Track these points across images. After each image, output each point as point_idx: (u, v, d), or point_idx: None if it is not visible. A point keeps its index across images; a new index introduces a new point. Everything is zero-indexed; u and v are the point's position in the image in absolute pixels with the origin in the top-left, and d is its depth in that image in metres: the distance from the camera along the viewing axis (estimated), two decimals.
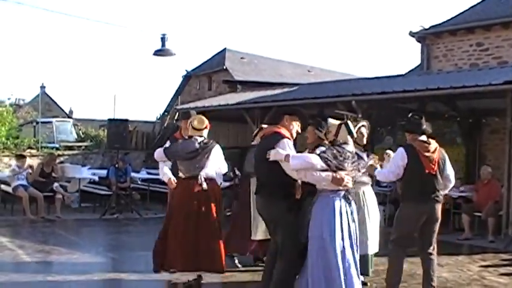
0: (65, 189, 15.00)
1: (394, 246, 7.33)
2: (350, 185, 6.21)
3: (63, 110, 44.35)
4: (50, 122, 25.41)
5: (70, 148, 20.65)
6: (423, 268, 7.30)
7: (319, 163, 5.99)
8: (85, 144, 21.77)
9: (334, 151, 6.15)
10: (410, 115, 7.51)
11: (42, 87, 44.62)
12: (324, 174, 6.01)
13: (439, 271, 8.82)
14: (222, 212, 7.82)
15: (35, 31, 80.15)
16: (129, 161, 17.85)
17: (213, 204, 7.46)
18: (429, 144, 7.19)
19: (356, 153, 6.70)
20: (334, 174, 6.04)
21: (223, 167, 7.90)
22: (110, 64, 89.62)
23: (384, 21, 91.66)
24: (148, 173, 18.32)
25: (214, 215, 7.46)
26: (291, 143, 6.37)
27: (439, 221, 7.26)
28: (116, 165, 15.54)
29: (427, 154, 7.09)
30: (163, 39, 17.30)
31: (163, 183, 17.12)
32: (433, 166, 7.09)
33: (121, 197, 15.12)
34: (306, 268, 6.20)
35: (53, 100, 46.39)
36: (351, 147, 6.40)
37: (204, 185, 7.36)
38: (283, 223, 6.32)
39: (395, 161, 7.24)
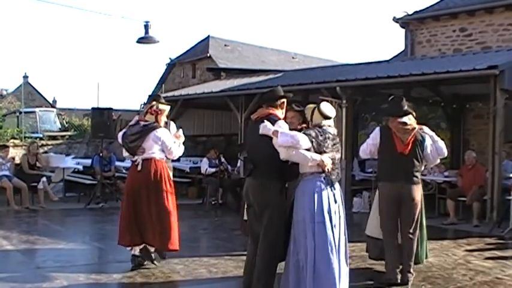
0: (49, 180, 14.89)
1: (382, 229, 7.39)
2: (330, 166, 6.15)
3: (46, 100, 44.18)
4: (34, 112, 25.28)
5: (54, 138, 20.55)
6: (403, 251, 7.31)
7: (306, 142, 5.97)
8: (69, 133, 21.67)
9: (316, 131, 6.18)
10: (390, 98, 7.55)
11: (25, 77, 44.49)
12: (312, 154, 6.01)
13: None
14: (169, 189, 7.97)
15: (17, 20, 79.60)
16: (113, 149, 17.74)
17: (154, 185, 7.73)
18: (405, 125, 7.20)
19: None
20: (321, 157, 6.04)
21: (172, 149, 8.00)
22: (93, 52, 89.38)
23: (368, 7, 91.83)
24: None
25: (157, 194, 7.73)
26: (285, 124, 6.33)
27: (417, 202, 7.27)
28: (100, 154, 15.47)
29: (400, 135, 7.15)
30: (146, 27, 17.18)
31: None
32: (406, 147, 7.13)
33: (106, 186, 15.06)
34: (289, 253, 6.18)
35: (36, 90, 46.21)
36: (332, 129, 6.38)
37: (139, 167, 7.74)
38: (274, 205, 6.26)
39: (368, 139, 7.41)
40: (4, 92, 37.41)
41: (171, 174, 8.23)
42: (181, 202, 12.47)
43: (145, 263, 7.94)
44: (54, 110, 29.37)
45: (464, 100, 16.61)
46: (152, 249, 7.94)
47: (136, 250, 7.89)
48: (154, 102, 8.03)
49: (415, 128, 7.30)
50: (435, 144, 7.52)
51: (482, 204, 12.24)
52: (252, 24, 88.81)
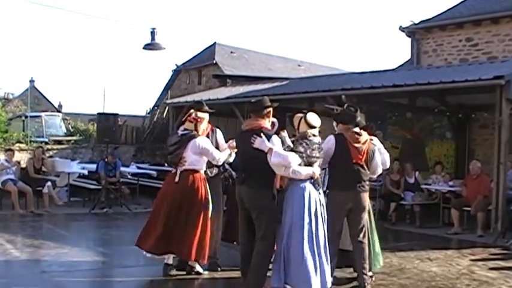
0: (54, 184, 14.91)
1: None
2: (318, 174, 6.77)
3: (52, 104, 44.23)
4: (39, 116, 25.30)
5: (59, 142, 20.57)
6: (355, 257, 7.44)
7: (296, 160, 6.55)
8: (74, 138, 21.70)
9: (304, 144, 6.71)
10: (346, 106, 7.62)
11: (32, 81, 44.52)
12: (304, 169, 6.62)
13: (428, 265, 8.93)
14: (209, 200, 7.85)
15: (24, 25, 79.88)
16: (118, 155, 17.80)
17: (190, 197, 7.59)
18: (360, 135, 7.38)
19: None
20: (313, 170, 6.68)
21: (215, 156, 7.75)
22: (99, 58, 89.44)
23: (375, 16, 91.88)
24: (138, 168, 18.28)
25: (192, 207, 7.59)
26: (279, 140, 6.83)
27: (366, 209, 7.51)
28: (106, 160, 15.50)
29: (356, 145, 7.31)
30: (153, 33, 17.25)
31: (152, 177, 17.22)
32: (361, 157, 7.32)
33: (110, 191, 15.07)
34: (278, 253, 6.72)
35: (42, 94, 46.28)
36: (317, 138, 6.89)
37: (176, 179, 7.59)
38: (268, 210, 6.76)
39: (324, 144, 7.38)
40: (10, 96, 37.43)
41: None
42: None
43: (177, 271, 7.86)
44: (60, 114, 29.39)
45: (470, 110, 16.58)
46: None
47: (170, 259, 7.79)
48: (192, 110, 7.83)
49: (368, 139, 7.50)
50: (382, 156, 7.82)
51: (487, 214, 12.21)
52: (258, 31, 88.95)
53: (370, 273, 7.57)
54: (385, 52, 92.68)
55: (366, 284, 7.34)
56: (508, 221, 11.58)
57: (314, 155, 6.74)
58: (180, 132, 7.74)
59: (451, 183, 13.90)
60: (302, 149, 6.66)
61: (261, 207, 6.79)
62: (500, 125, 12.10)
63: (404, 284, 7.68)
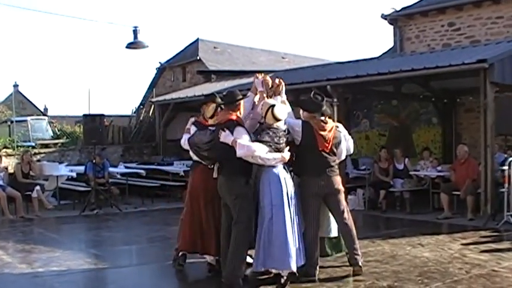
0: (43, 188, 14.83)
1: (307, 225, 7.38)
2: (287, 157, 7.08)
3: (37, 108, 44.15)
4: (25, 121, 25.21)
5: (46, 146, 20.46)
6: (344, 239, 7.64)
7: (262, 149, 6.81)
8: (61, 141, 21.58)
9: (270, 133, 6.96)
10: (312, 94, 7.61)
11: (15, 85, 44.37)
12: (274, 155, 6.91)
13: (420, 251, 8.95)
14: None
15: (5, 29, 79.38)
16: (106, 155, 17.73)
17: None
18: (326, 123, 7.45)
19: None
20: (282, 155, 6.97)
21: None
22: (83, 59, 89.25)
23: (356, 5, 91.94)
24: (127, 167, 18.23)
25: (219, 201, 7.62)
26: (244, 130, 7.00)
27: (342, 191, 7.61)
28: (94, 161, 15.43)
29: (322, 133, 7.36)
30: (135, 32, 17.20)
31: (141, 176, 17.19)
32: (327, 144, 7.39)
33: (100, 192, 15.01)
34: (260, 235, 6.89)
35: (26, 98, 46.18)
36: (282, 126, 7.14)
37: (215, 174, 7.43)
38: (241, 196, 6.94)
39: (290, 121, 7.47)
40: None
41: None
42: (177, 206, 12.54)
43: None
44: (46, 118, 29.27)
45: (455, 94, 16.65)
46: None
47: (211, 258, 7.80)
48: (212, 104, 7.87)
49: (333, 127, 7.55)
50: (346, 143, 7.81)
51: (476, 198, 12.28)
52: (241, 25, 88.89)
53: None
54: (369, 40, 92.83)
55: (359, 262, 7.48)
56: (497, 204, 11.65)
57: (281, 141, 7.01)
58: (211, 128, 7.61)
59: (439, 168, 13.96)
60: (268, 138, 6.91)
61: (234, 193, 6.96)
62: (485, 108, 12.17)
63: (397, 270, 7.70)
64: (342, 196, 7.60)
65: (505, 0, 16.74)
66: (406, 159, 14.45)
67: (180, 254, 7.92)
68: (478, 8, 17.36)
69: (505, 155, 12.30)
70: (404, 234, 10.72)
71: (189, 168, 16.16)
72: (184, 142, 7.95)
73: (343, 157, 7.79)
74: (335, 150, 7.49)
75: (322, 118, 7.45)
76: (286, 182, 6.99)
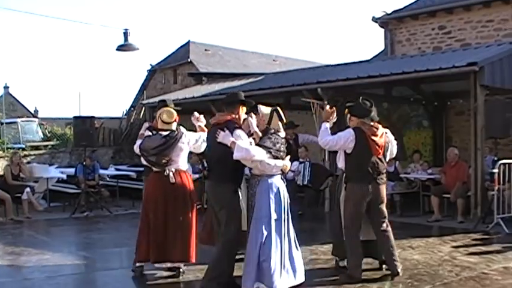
0: (32, 190, 14.78)
1: (346, 231, 7.55)
2: (288, 167, 6.92)
3: (28, 110, 43.92)
4: (15, 123, 25.12)
5: (36, 148, 20.41)
6: (383, 248, 7.63)
7: (261, 154, 6.51)
8: (51, 143, 21.53)
9: (273, 139, 6.69)
10: (360, 99, 7.64)
11: (6, 87, 44.26)
12: (275, 162, 6.63)
13: (410, 253, 8.98)
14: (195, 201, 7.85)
15: None
16: (96, 158, 17.68)
17: (184, 195, 7.65)
18: (377, 129, 7.50)
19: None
20: (283, 162, 6.72)
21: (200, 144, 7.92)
22: (73, 61, 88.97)
23: (347, 8, 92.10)
24: (117, 169, 18.22)
25: (186, 205, 7.63)
26: (243, 133, 6.75)
27: (385, 200, 7.66)
28: (84, 163, 15.41)
29: (374, 138, 7.40)
30: (125, 34, 17.15)
31: (132, 179, 17.15)
32: (380, 150, 7.44)
33: (90, 194, 14.99)
34: (252, 250, 6.56)
35: (17, 100, 45.99)
36: (282, 133, 6.88)
37: (172, 179, 7.55)
38: (229, 205, 6.70)
39: (342, 137, 7.49)
40: None
41: None
42: None
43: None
44: (36, 120, 29.14)
45: (445, 97, 16.70)
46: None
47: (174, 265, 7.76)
48: (167, 109, 7.88)
49: (384, 132, 7.62)
50: (392, 148, 7.94)
51: (466, 201, 12.31)
52: (232, 28, 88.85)
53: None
54: (359, 43, 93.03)
55: (399, 270, 7.47)
56: (487, 206, 11.68)
57: (282, 149, 6.75)
58: (163, 133, 7.68)
59: (429, 171, 13.97)
60: (270, 144, 6.63)
61: (221, 201, 6.77)
62: (475, 111, 12.21)
63: (387, 272, 7.71)
64: (384, 205, 7.65)
65: (495, 4, 16.80)
66: (397, 162, 14.43)
67: (138, 265, 7.81)
68: (468, 12, 17.43)
69: (495, 158, 12.32)
70: (395, 236, 10.54)
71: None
72: (136, 147, 7.90)
73: (386, 160, 7.80)
74: (385, 155, 7.58)
75: (372, 123, 7.47)
76: (284, 194, 6.78)
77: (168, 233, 7.54)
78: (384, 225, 7.56)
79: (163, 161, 7.58)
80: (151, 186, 7.78)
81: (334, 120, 7.85)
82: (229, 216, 6.69)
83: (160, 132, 7.71)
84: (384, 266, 7.82)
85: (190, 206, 7.69)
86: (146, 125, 8.10)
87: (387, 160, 7.85)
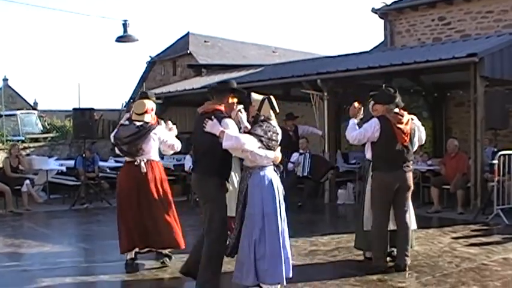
0: (32, 183, 14.77)
1: (374, 220, 7.53)
2: (280, 158, 6.43)
3: (27, 102, 43.87)
4: (15, 115, 25.09)
5: (36, 140, 20.40)
6: (399, 235, 7.53)
7: (252, 143, 6.09)
8: (51, 135, 21.51)
9: (264, 126, 6.26)
10: (384, 86, 7.61)
11: (5, 79, 44.21)
12: (266, 153, 6.20)
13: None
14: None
15: None
16: (96, 150, 17.65)
17: (156, 185, 7.77)
18: (402, 116, 7.42)
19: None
20: (275, 153, 6.29)
21: (174, 145, 8.09)
22: (72, 53, 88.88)
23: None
24: (117, 161, 18.17)
25: (159, 194, 7.76)
26: (232, 122, 6.36)
27: (411, 189, 7.60)
28: (83, 155, 15.39)
29: (400, 126, 7.33)
30: (125, 25, 17.10)
31: None
32: (406, 138, 7.35)
33: (90, 186, 14.98)
34: (246, 247, 6.22)
35: (16, 92, 45.92)
36: (274, 121, 6.46)
37: (143, 169, 7.64)
38: (214, 199, 6.36)
39: (368, 128, 7.46)
40: None
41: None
42: None
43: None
44: (36, 112, 29.10)
45: (445, 89, 16.68)
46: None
47: (132, 253, 7.81)
48: (144, 101, 7.92)
49: (409, 119, 7.54)
50: (420, 134, 7.81)
51: (466, 192, 12.31)
52: (232, 19, 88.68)
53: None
54: (359, 34, 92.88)
55: (406, 265, 7.43)
56: (487, 197, 11.68)
57: (274, 138, 6.29)
58: (137, 123, 7.77)
59: (429, 162, 13.97)
60: (261, 132, 6.20)
61: (206, 195, 6.43)
62: (475, 103, 12.19)
63: (388, 264, 7.70)
64: (410, 194, 7.62)
65: None
66: None
67: (128, 257, 7.80)
68: (468, 3, 17.39)
69: (495, 149, 12.31)
70: None
71: (179, 162, 16.25)
72: (112, 136, 8.02)
73: (415, 148, 7.78)
74: (411, 143, 7.50)
75: (397, 110, 7.44)
76: (278, 187, 6.30)
77: (147, 222, 7.65)
78: (407, 215, 7.54)
79: (134, 149, 7.68)
80: (124, 176, 7.90)
81: (361, 116, 7.82)
82: (213, 211, 6.33)
83: (134, 122, 7.81)
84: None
85: (164, 195, 7.82)
86: (127, 115, 8.15)
87: (415, 147, 7.77)
